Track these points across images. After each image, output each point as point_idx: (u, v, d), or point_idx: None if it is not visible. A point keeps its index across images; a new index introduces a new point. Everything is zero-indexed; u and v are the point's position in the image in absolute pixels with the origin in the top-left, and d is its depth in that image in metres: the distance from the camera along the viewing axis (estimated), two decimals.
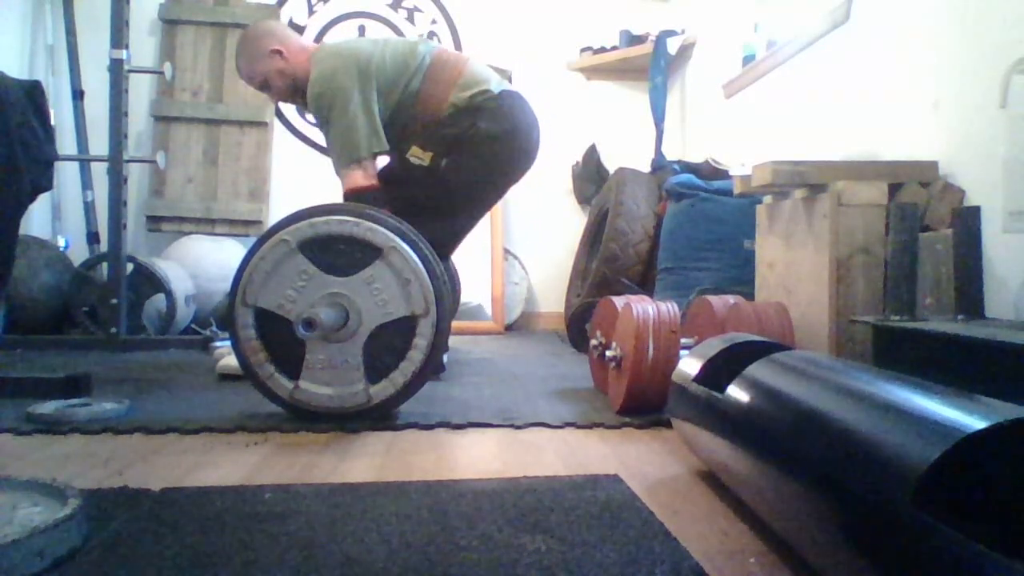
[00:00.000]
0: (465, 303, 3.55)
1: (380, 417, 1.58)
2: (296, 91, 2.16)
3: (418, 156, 2.09)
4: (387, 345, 1.57)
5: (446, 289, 1.64)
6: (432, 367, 1.61)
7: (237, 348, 1.58)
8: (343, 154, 2.04)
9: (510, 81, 2.27)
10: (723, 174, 2.73)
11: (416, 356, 1.56)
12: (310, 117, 3.86)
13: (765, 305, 1.82)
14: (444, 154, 2.09)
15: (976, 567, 0.52)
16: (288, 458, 1.30)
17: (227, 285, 2.81)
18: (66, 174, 3.57)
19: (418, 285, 1.55)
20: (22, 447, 1.37)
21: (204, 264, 3.26)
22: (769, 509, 0.87)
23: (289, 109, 3.85)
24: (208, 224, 3.58)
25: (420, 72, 2.12)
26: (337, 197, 2.03)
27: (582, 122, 3.96)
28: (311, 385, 1.55)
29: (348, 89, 2.01)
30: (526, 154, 2.22)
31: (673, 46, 3.63)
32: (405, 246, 1.56)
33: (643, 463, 1.28)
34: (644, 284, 2.90)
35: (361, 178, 2.03)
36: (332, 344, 1.55)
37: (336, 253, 1.56)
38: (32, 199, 1.82)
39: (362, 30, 3.90)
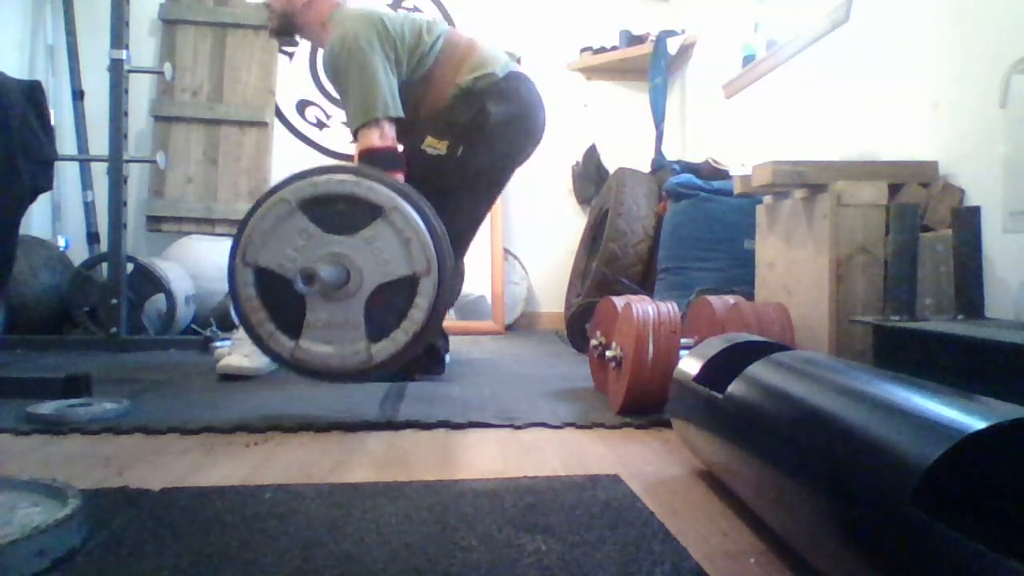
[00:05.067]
0: (466, 294, 3.54)
1: (381, 376, 1.57)
2: (287, 29, 2.20)
3: (434, 146, 2.08)
4: (388, 304, 1.56)
5: (448, 249, 1.62)
6: (434, 328, 1.60)
7: (237, 307, 1.57)
8: (359, 113, 1.99)
9: (519, 63, 2.25)
10: (723, 174, 2.73)
11: (417, 315, 1.55)
12: (310, 116, 3.88)
13: (765, 305, 1.82)
14: (460, 141, 2.08)
15: (976, 567, 0.52)
16: (288, 458, 1.30)
17: (227, 285, 2.78)
18: (66, 174, 3.56)
19: (419, 244, 1.54)
20: (22, 447, 1.37)
21: (204, 264, 3.25)
22: (769, 509, 0.87)
23: (289, 110, 3.85)
24: (208, 224, 3.58)
25: (433, 52, 2.10)
26: None
27: (582, 122, 3.96)
28: (312, 344, 1.54)
29: (367, 51, 1.99)
30: (535, 135, 2.23)
31: (673, 46, 3.63)
32: (406, 205, 1.55)
33: (643, 463, 1.28)
34: (644, 284, 2.90)
35: (377, 138, 1.98)
36: (333, 303, 1.54)
37: (337, 212, 1.55)
38: (32, 199, 1.82)
39: None
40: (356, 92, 2.00)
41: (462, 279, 2.62)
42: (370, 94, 1.98)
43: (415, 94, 2.09)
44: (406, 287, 1.55)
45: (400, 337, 1.54)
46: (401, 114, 2.02)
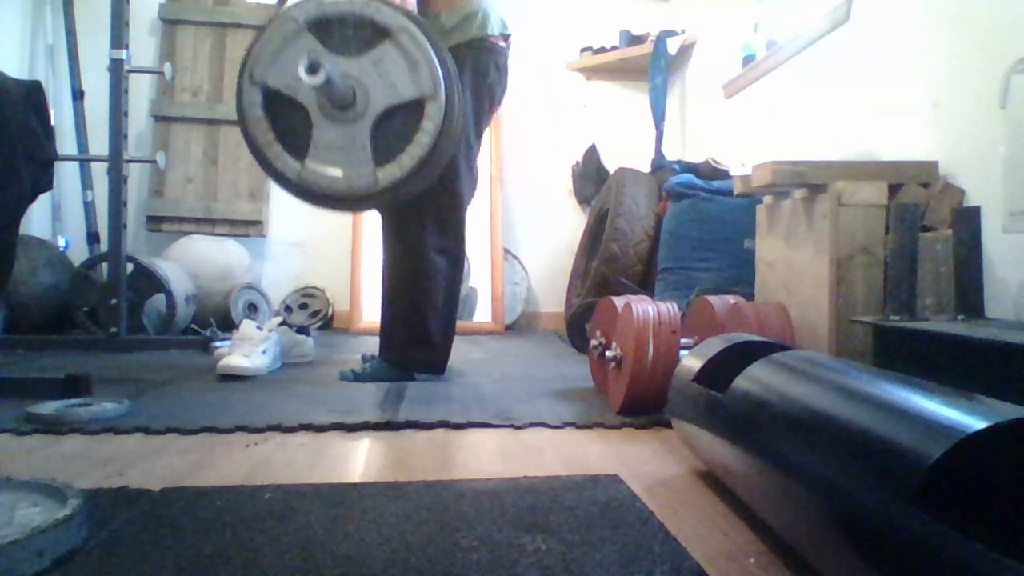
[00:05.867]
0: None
1: (387, 202, 1.55)
2: None
3: None
4: (395, 128, 1.55)
5: (455, 76, 1.61)
6: (439, 156, 1.60)
7: (244, 128, 1.57)
8: None
9: (506, 40, 2.22)
10: (723, 174, 2.73)
11: (424, 139, 1.54)
12: None
13: (765, 305, 1.82)
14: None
15: (976, 567, 0.52)
16: (288, 458, 1.30)
17: (227, 285, 2.77)
18: (66, 174, 3.56)
19: (427, 67, 1.53)
20: (22, 447, 1.37)
21: (204, 264, 3.25)
22: (769, 509, 0.87)
23: None
24: (208, 224, 3.58)
25: None
26: None
27: (582, 122, 3.96)
28: (318, 165, 1.53)
29: None
30: (494, 105, 2.20)
31: (673, 46, 3.63)
32: (414, 28, 1.54)
33: (643, 463, 1.28)
34: (644, 284, 2.90)
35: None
36: (339, 125, 1.53)
37: (345, 33, 1.54)
38: (32, 199, 1.82)
39: None
40: None
41: (467, 271, 2.58)
42: None
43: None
44: (412, 111, 1.54)
45: (406, 162, 1.53)
46: None
